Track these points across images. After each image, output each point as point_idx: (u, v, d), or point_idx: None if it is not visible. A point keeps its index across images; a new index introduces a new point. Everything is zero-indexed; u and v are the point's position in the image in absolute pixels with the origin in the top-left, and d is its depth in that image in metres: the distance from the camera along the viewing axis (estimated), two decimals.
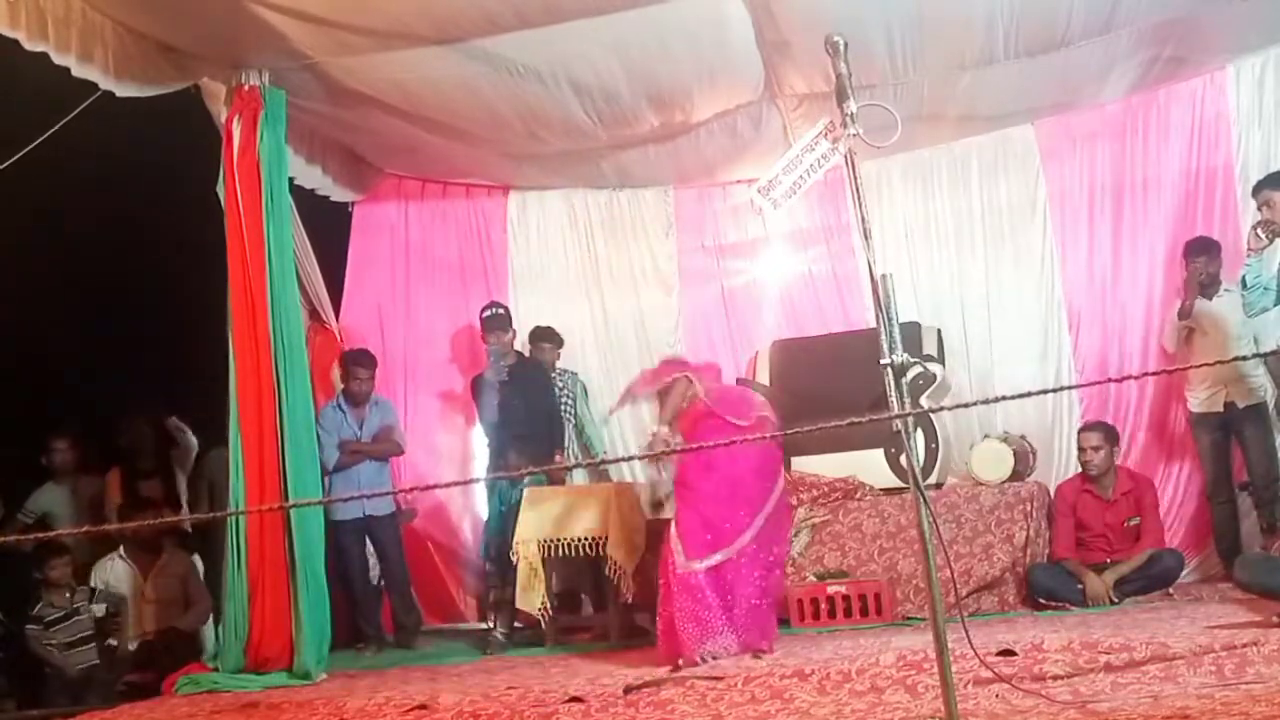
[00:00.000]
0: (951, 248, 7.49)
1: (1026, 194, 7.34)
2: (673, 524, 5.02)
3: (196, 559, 6.75)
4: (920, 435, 6.23)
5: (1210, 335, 6.21)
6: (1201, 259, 6.24)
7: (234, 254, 5.66)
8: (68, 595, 6.25)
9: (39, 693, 6.10)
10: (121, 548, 6.50)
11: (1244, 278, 5.72)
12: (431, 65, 5.78)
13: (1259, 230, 5.57)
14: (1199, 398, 6.32)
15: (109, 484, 6.89)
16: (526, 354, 7.12)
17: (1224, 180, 6.78)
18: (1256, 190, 5.75)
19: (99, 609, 6.28)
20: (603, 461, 7.33)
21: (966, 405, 6.14)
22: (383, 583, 6.90)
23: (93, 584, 6.39)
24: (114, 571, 6.46)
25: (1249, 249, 5.71)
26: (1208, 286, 6.26)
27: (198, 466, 7.18)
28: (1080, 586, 5.82)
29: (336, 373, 6.98)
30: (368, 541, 6.75)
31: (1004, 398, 5.50)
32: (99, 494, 6.92)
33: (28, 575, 6.33)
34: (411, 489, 7.08)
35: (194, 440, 7.12)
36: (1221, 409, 6.24)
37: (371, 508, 6.56)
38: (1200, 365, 6.11)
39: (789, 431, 5.87)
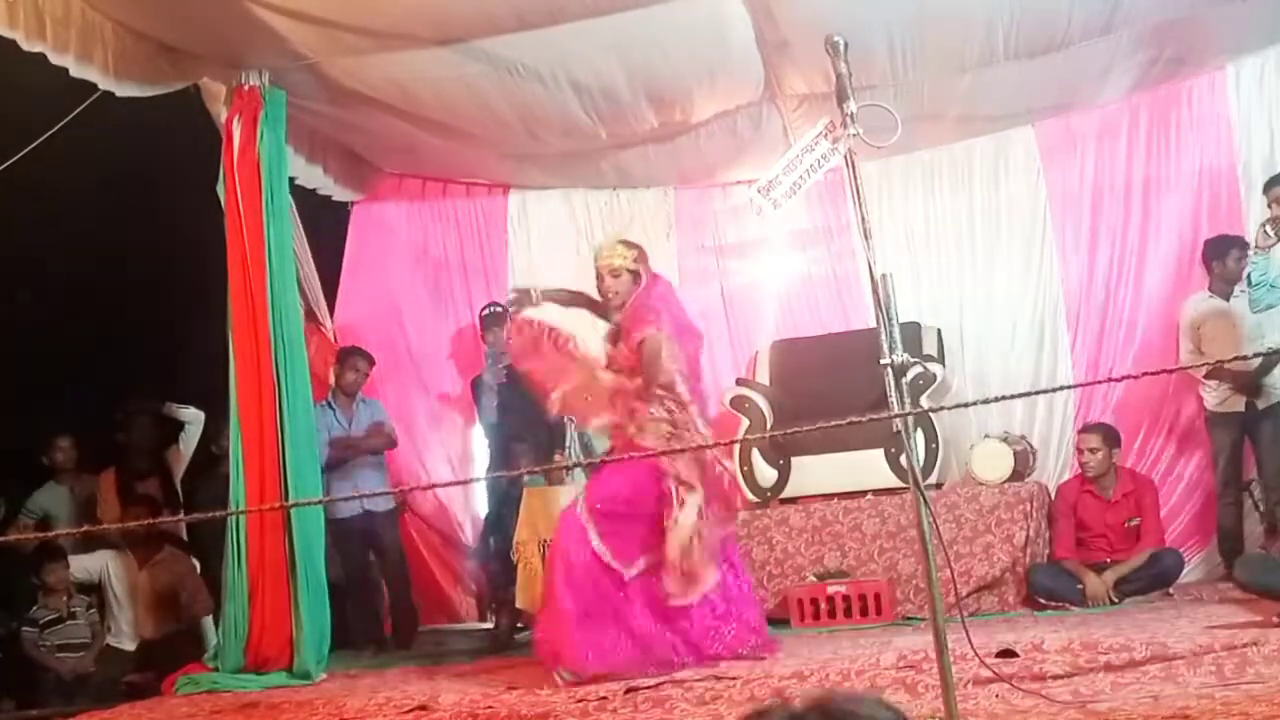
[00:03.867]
0: (951, 248, 7.49)
1: (1026, 195, 7.34)
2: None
3: (194, 562, 6.76)
4: (920, 435, 6.23)
5: (1231, 335, 6.18)
6: (1235, 252, 6.19)
7: (234, 254, 5.66)
8: (65, 599, 6.27)
9: (32, 694, 6.10)
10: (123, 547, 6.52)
11: (1249, 275, 5.72)
12: (431, 65, 5.78)
13: (1267, 228, 5.57)
14: (1218, 395, 6.29)
15: (102, 484, 6.88)
16: None
17: (1224, 181, 6.78)
18: (1268, 187, 5.76)
19: (83, 600, 6.31)
20: (603, 461, 7.32)
21: (966, 405, 6.14)
22: (382, 582, 6.90)
23: (81, 575, 6.40)
24: (108, 557, 6.47)
25: (1256, 247, 5.71)
26: (1229, 284, 6.24)
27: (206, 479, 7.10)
28: (1080, 586, 5.82)
29: (335, 371, 6.92)
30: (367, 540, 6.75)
31: (1004, 397, 5.53)
32: (94, 494, 6.91)
33: (25, 576, 6.34)
34: (412, 488, 7.08)
35: (198, 414, 7.06)
36: (1242, 409, 6.22)
37: (371, 505, 6.56)
38: (1201, 365, 6.11)
39: (789, 431, 5.89)
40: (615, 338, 4.89)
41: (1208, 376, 6.22)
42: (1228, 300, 6.24)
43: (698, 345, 5.13)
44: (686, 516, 4.48)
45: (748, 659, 4.57)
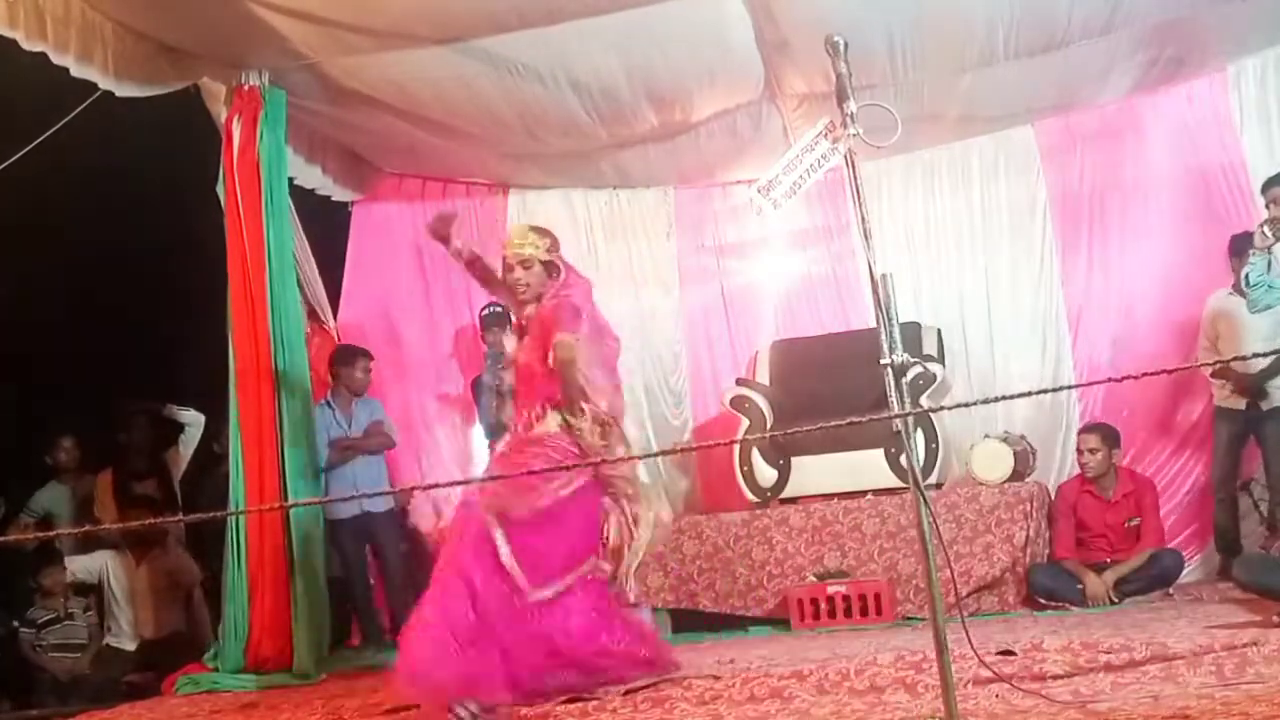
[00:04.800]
0: (951, 248, 7.50)
1: (1026, 194, 7.34)
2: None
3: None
4: (920, 435, 6.23)
5: (1245, 334, 6.17)
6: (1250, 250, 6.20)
7: (234, 254, 5.67)
8: (62, 600, 6.28)
9: (30, 695, 6.12)
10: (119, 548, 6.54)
11: (1247, 275, 5.73)
12: (431, 65, 5.78)
13: (1265, 228, 5.58)
14: (1224, 391, 6.29)
15: (99, 484, 6.88)
16: None
17: (1224, 181, 6.78)
18: (1266, 187, 5.75)
19: (80, 602, 6.33)
20: (603, 461, 7.30)
21: (966, 405, 6.14)
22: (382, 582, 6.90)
23: (81, 575, 6.41)
24: (107, 557, 6.48)
25: (1254, 247, 5.71)
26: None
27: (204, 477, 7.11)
28: (1080, 586, 5.82)
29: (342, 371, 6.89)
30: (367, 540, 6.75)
31: (1004, 397, 5.53)
32: (91, 494, 6.91)
33: (23, 577, 6.36)
34: (412, 487, 7.07)
35: (198, 417, 7.05)
36: (1244, 407, 6.22)
37: (370, 505, 6.56)
38: (1200, 366, 6.10)
39: (789, 431, 5.89)
40: (523, 333, 4.42)
41: (1214, 375, 6.22)
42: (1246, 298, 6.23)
43: (616, 350, 4.61)
44: (643, 535, 4.18)
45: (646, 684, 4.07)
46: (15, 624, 6.30)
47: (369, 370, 6.75)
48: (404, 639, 3.95)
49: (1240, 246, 6.26)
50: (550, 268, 4.37)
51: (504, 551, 3.98)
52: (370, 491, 6.50)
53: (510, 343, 4.53)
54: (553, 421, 4.21)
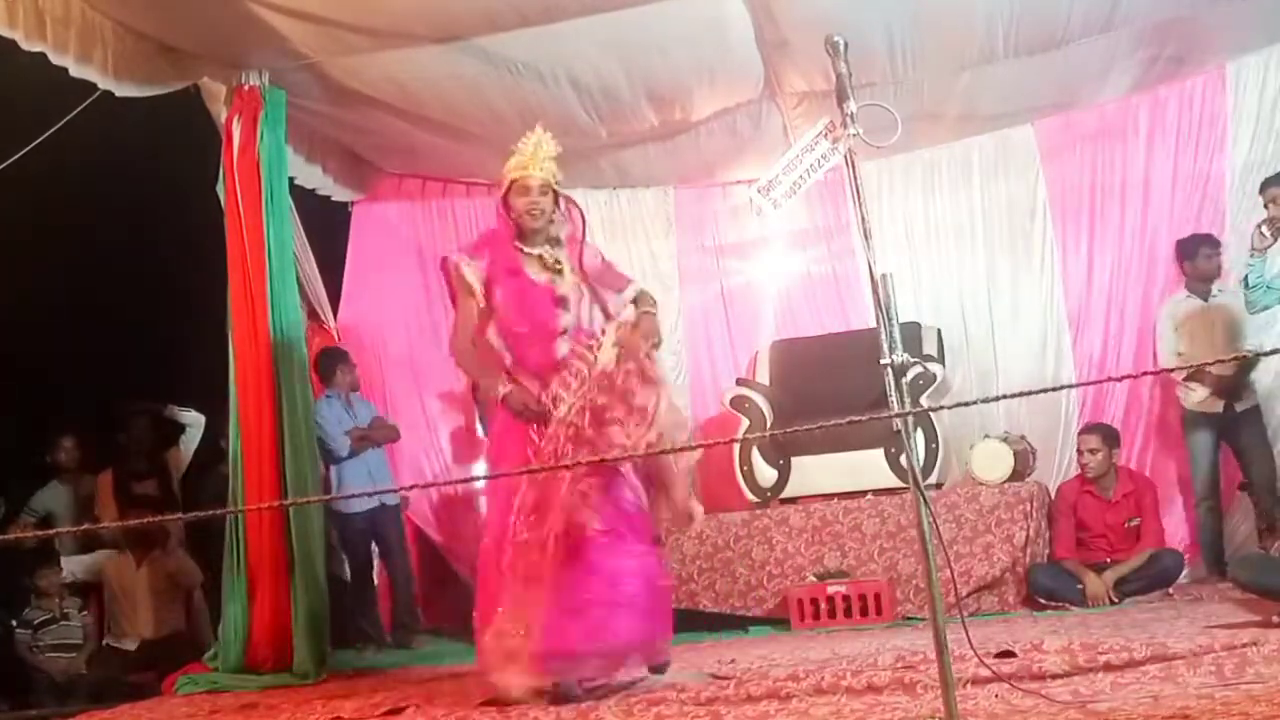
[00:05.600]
0: (951, 248, 7.50)
1: (1026, 194, 7.35)
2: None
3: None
4: (920, 435, 6.23)
5: (1211, 335, 6.20)
6: (1205, 250, 6.23)
7: (234, 254, 5.67)
8: (57, 600, 6.29)
9: (27, 695, 6.12)
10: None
11: (1246, 276, 5.73)
12: (431, 64, 5.78)
13: (1263, 228, 5.58)
14: (1197, 395, 6.30)
15: (100, 485, 6.89)
16: None
17: (1224, 180, 6.78)
18: (1264, 188, 5.76)
19: (75, 602, 6.34)
20: (604, 460, 7.30)
21: (966, 405, 6.14)
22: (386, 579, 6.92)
23: (81, 575, 6.42)
24: (106, 557, 6.47)
25: (1253, 248, 5.71)
26: (1204, 283, 6.25)
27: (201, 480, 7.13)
28: (1080, 586, 5.82)
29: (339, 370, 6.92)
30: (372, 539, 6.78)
31: (1004, 397, 5.53)
32: (91, 494, 6.91)
33: (19, 577, 6.36)
34: (412, 486, 7.09)
35: (199, 417, 7.08)
36: (1220, 410, 6.22)
37: (383, 497, 6.60)
38: (1203, 365, 6.11)
39: (789, 430, 5.90)
40: (552, 261, 4.15)
41: (1189, 379, 6.22)
42: (1206, 300, 6.25)
43: None
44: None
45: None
46: (12, 624, 6.30)
47: (355, 369, 6.91)
48: (553, 620, 3.84)
49: (1189, 249, 6.30)
50: (557, 202, 4.22)
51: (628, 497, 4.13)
52: (371, 490, 6.53)
53: (567, 279, 4.18)
54: (609, 347, 4.15)
